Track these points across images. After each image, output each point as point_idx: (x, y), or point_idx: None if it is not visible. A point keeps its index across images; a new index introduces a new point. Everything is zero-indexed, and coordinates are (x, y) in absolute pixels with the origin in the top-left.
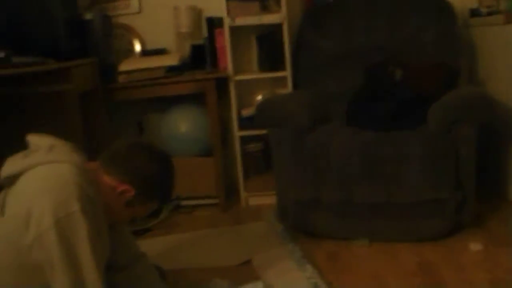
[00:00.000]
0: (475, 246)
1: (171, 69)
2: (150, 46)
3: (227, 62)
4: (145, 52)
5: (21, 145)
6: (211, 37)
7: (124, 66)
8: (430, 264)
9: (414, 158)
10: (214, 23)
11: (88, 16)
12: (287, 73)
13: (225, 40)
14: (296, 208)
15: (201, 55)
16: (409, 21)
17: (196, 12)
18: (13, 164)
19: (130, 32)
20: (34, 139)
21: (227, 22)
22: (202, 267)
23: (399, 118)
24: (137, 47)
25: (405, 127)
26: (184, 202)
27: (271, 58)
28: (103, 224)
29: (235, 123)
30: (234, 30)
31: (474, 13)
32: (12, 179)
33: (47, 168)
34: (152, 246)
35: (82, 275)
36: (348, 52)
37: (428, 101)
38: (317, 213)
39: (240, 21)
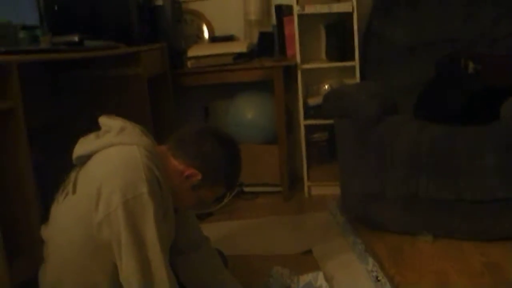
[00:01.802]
0: None
1: (239, 56)
2: (219, 33)
3: (295, 50)
4: (213, 39)
5: (92, 127)
6: (280, 25)
7: (192, 52)
8: (498, 265)
9: (488, 154)
10: (283, 11)
11: (159, 1)
12: (355, 63)
13: (293, 28)
14: (360, 200)
15: (269, 43)
16: (485, 13)
17: (265, 0)
18: (85, 144)
19: (199, 18)
20: (105, 121)
21: (296, 10)
22: (263, 254)
23: (471, 112)
24: (206, 33)
25: (477, 122)
26: (247, 189)
27: (339, 48)
28: (169, 206)
29: (301, 112)
30: (303, 18)
31: None
32: (84, 159)
33: (117, 149)
34: (214, 231)
35: (147, 254)
36: (419, 44)
37: (502, 95)
38: (381, 206)
39: (310, 9)
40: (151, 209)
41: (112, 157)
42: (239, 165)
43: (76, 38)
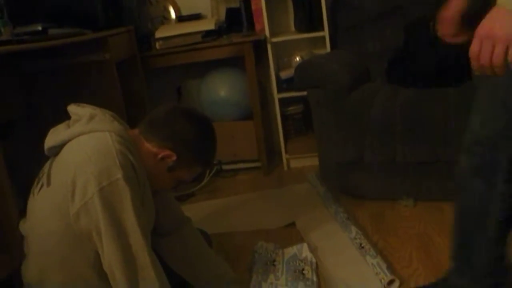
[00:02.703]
0: None
1: (207, 34)
2: (185, 12)
3: (264, 24)
4: (180, 18)
5: (62, 116)
6: (246, 0)
7: (160, 33)
8: None
9: (460, 116)
10: None
11: None
12: (325, 33)
13: (261, 1)
14: (339, 169)
15: (237, 19)
16: None
17: None
18: (56, 134)
19: None
20: (74, 109)
21: None
22: (246, 230)
23: (442, 75)
24: (172, 13)
25: (449, 84)
26: (226, 167)
27: (308, 19)
28: (147, 190)
29: (274, 86)
30: None
31: None
32: (56, 150)
33: (89, 137)
34: (196, 211)
35: (128, 240)
36: (387, 9)
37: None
38: (360, 174)
39: None
40: (128, 194)
41: (84, 145)
42: (213, 142)
43: (39, 27)
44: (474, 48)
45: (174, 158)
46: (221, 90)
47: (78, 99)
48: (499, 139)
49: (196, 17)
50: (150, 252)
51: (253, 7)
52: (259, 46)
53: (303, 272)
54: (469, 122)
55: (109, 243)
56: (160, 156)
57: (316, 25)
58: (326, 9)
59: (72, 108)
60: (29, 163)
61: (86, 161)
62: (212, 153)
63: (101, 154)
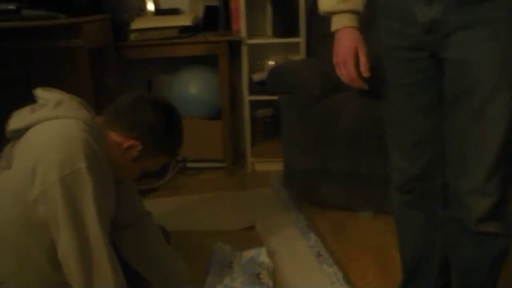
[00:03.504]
0: None
1: (183, 30)
2: (164, 6)
3: (241, 25)
4: (158, 11)
5: (29, 99)
6: None
7: (136, 24)
8: None
9: None
10: None
11: None
12: (301, 39)
13: (239, 2)
14: (303, 176)
15: (215, 17)
16: None
17: None
18: (20, 118)
19: None
20: (42, 93)
21: None
22: (206, 230)
23: None
24: (150, 6)
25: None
26: (191, 164)
27: (285, 23)
28: (109, 181)
29: (245, 87)
30: None
31: None
32: (19, 133)
33: (54, 123)
34: (156, 207)
35: (86, 232)
36: (365, 21)
37: None
38: (323, 182)
39: None
40: (90, 185)
41: (49, 131)
42: (179, 130)
43: (13, 7)
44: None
45: (140, 147)
46: (192, 87)
47: (48, 84)
48: (428, 173)
49: (174, 11)
50: (107, 244)
51: (232, 6)
52: (234, 47)
53: (260, 276)
54: (392, 159)
55: (65, 232)
56: (125, 146)
57: (293, 31)
58: (304, 15)
59: (39, 92)
60: None
61: (49, 148)
62: (178, 142)
63: (65, 142)
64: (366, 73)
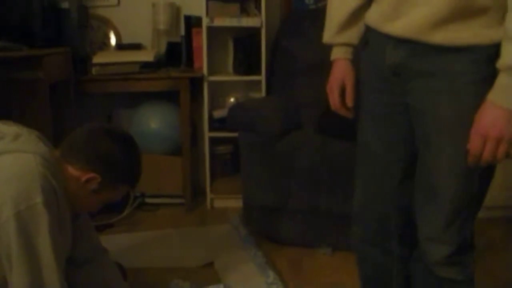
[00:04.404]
0: None
1: (145, 65)
2: (126, 40)
3: (203, 62)
4: (120, 46)
5: None
6: (188, 36)
7: (98, 58)
8: None
9: None
10: (192, 22)
11: (65, 5)
12: (262, 77)
13: (202, 39)
14: (262, 213)
15: (177, 53)
16: None
17: (174, 10)
18: None
19: (107, 25)
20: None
21: (205, 21)
22: (164, 266)
23: None
24: (113, 40)
25: None
26: (149, 200)
27: (246, 62)
28: (66, 217)
29: (205, 124)
30: (212, 30)
31: None
32: None
33: (11, 157)
34: (113, 243)
35: (40, 269)
36: (324, 60)
37: None
38: (282, 219)
39: (219, 21)
40: (46, 220)
41: (5, 165)
42: (138, 159)
43: None
44: (476, 146)
45: (99, 179)
46: (152, 123)
47: (6, 117)
48: (386, 209)
49: (136, 46)
50: (62, 282)
51: (194, 43)
52: (196, 83)
53: None
54: (355, 191)
55: (19, 270)
56: (83, 179)
57: (253, 69)
58: (265, 54)
59: None
60: None
61: (5, 182)
62: (138, 170)
63: (22, 176)
64: (349, 103)
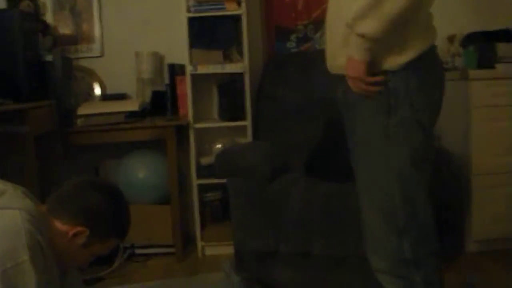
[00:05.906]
0: None
1: (130, 115)
2: (111, 91)
3: (188, 109)
4: (105, 97)
5: None
6: (173, 84)
7: (83, 110)
8: None
9: None
10: (176, 70)
11: (49, 57)
12: (247, 122)
13: (186, 87)
14: (254, 259)
15: (162, 102)
16: None
17: (158, 59)
18: None
19: (91, 76)
20: None
21: (189, 69)
22: None
23: None
24: (97, 91)
25: None
26: (139, 251)
27: (231, 107)
28: (53, 273)
29: (193, 171)
30: (196, 77)
31: None
32: None
33: None
34: None
35: None
36: (309, 103)
37: None
38: (275, 265)
39: (202, 69)
40: (33, 278)
41: None
42: (126, 211)
43: None
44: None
45: (87, 233)
46: (139, 172)
47: None
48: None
49: (121, 97)
50: None
51: (179, 91)
52: (182, 131)
53: None
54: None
55: None
56: (71, 233)
57: (239, 114)
58: (250, 99)
59: None
60: None
61: None
62: (126, 222)
63: (8, 234)
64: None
